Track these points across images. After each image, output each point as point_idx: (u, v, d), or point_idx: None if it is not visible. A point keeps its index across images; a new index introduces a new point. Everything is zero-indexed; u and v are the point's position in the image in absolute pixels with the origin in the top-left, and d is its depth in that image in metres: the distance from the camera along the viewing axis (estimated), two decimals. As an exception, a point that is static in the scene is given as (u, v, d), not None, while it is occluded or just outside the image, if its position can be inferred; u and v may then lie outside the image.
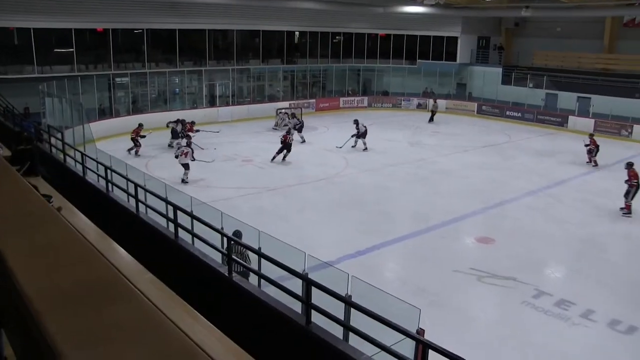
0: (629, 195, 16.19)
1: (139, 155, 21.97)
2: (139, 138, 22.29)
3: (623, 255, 13.61)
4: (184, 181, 18.32)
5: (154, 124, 26.75)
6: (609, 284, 11.78)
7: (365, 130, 23.66)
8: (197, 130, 23.69)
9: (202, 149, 21.63)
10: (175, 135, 23.62)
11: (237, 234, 9.23)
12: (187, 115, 28.64)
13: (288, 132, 22.09)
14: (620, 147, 26.31)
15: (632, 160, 17.08)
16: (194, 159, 18.92)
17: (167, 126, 24.21)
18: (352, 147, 23.80)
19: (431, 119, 31.97)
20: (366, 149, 23.57)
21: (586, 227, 15.27)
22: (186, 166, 18.57)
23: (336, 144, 23.89)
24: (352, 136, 23.75)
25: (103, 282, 1.90)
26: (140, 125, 22.82)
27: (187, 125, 23.79)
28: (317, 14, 32.93)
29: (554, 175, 20.28)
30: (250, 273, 7.74)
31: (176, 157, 18.87)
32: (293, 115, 27.20)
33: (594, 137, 22.42)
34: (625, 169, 16.60)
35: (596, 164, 21.96)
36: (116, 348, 1.57)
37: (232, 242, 7.27)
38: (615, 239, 14.51)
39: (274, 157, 21.20)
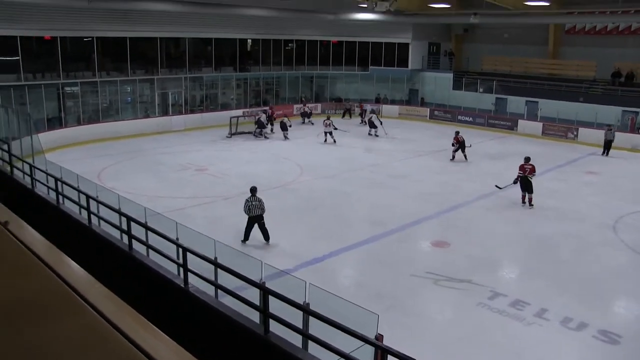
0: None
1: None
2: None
3: (572, 253, 13.99)
4: (334, 141, 26.83)
5: (107, 134, 26.31)
6: (561, 282, 12.08)
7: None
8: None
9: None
10: (261, 125, 28.30)
11: (253, 189, 13.80)
12: (139, 124, 28.29)
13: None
14: (567, 150, 27.10)
15: (579, 162, 17.58)
16: (336, 128, 27.10)
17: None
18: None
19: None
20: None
21: (538, 228, 15.62)
22: (330, 133, 26.87)
23: (294, 150, 23.96)
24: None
25: (51, 296, 1.83)
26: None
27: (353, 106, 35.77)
28: (269, 22, 32.89)
29: (505, 178, 20.67)
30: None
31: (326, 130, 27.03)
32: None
33: (459, 135, 24.24)
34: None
35: (453, 158, 24.01)
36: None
37: (186, 252, 7.16)
38: (564, 238, 14.89)
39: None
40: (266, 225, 13.71)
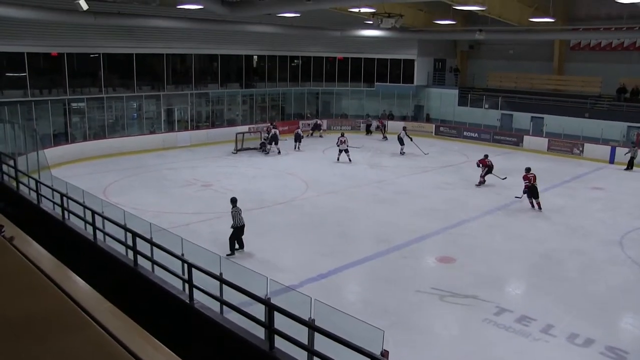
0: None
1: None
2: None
3: (578, 269, 13.91)
4: (350, 160, 26.18)
5: (113, 150, 26.41)
6: (567, 298, 12.01)
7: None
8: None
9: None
10: (276, 139, 28.49)
11: (234, 200, 13.91)
12: (145, 140, 28.39)
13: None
14: (573, 165, 27.04)
15: (585, 177, 17.63)
16: (348, 148, 26.30)
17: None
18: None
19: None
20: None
21: (543, 244, 15.55)
22: (346, 150, 26.18)
23: (299, 166, 24.01)
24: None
25: (57, 312, 1.84)
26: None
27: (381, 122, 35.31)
28: (275, 38, 33.08)
29: (511, 193, 20.66)
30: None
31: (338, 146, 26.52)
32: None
33: (488, 159, 22.38)
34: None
35: (480, 184, 22.12)
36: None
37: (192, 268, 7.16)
38: (570, 254, 14.82)
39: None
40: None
